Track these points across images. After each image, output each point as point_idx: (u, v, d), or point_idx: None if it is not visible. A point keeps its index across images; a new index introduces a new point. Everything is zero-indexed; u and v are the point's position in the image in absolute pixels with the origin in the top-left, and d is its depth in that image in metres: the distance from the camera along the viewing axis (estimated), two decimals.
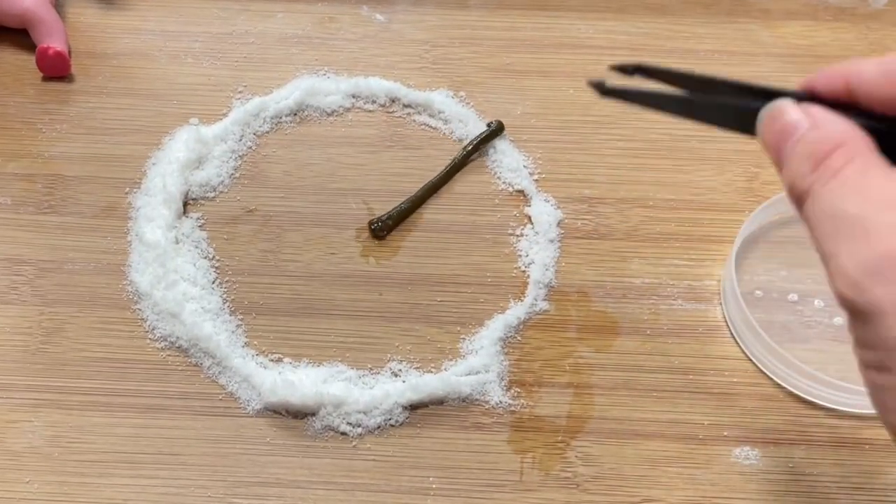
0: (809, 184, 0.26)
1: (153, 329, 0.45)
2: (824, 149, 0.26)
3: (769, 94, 0.30)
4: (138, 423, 0.42)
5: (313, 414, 0.42)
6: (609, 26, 0.57)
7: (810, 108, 0.28)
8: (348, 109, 0.53)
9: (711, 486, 0.41)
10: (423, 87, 0.54)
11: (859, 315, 0.24)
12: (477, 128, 0.52)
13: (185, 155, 0.49)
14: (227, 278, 0.47)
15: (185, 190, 0.49)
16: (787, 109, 0.28)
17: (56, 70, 0.54)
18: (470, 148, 0.50)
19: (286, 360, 0.44)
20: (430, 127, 0.53)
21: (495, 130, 0.51)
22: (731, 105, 0.32)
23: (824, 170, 0.26)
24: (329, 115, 0.53)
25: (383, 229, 0.48)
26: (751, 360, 0.44)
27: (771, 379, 0.44)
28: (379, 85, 0.53)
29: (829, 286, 0.25)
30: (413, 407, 0.43)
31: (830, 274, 0.25)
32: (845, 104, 0.29)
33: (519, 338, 0.45)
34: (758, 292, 0.46)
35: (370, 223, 0.48)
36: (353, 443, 0.42)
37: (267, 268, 0.47)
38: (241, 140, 0.51)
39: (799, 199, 0.27)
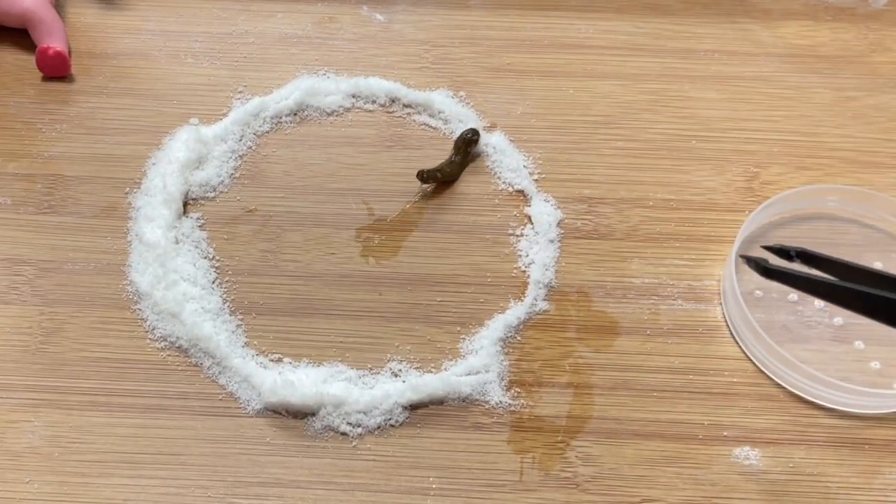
0: None
1: (153, 329, 0.45)
2: None
3: None
4: (138, 423, 0.42)
5: (313, 414, 0.42)
6: (609, 26, 0.57)
7: None
8: (348, 109, 0.53)
9: (711, 486, 0.41)
10: (423, 87, 0.54)
11: None
12: (477, 128, 0.52)
13: (185, 155, 0.49)
14: (227, 278, 0.47)
15: (185, 190, 0.49)
16: None
17: (56, 70, 0.54)
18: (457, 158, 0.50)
19: (286, 360, 0.44)
20: (430, 127, 0.53)
21: (469, 140, 0.51)
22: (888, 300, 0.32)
23: None
24: (329, 115, 0.53)
25: (430, 178, 0.49)
26: (751, 360, 0.44)
27: (771, 379, 0.44)
28: (379, 85, 0.53)
29: None
30: (413, 407, 0.43)
31: None
32: None
33: (519, 338, 0.45)
34: (758, 292, 0.46)
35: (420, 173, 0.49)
36: (353, 443, 0.42)
37: (267, 268, 0.47)
38: (241, 140, 0.51)
39: None
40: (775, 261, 0.37)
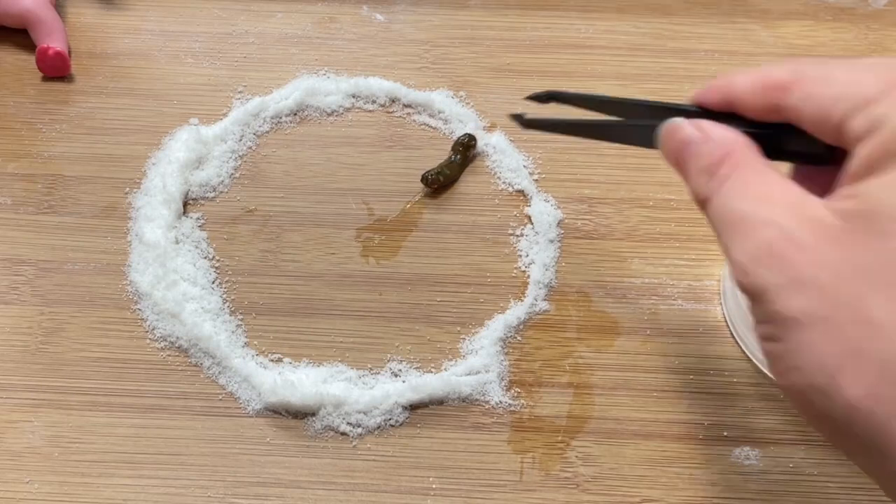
0: (707, 193, 0.31)
1: (153, 329, 0.45)
2: (715, 160, 0.31)
3: (671, 111, 0.34)
4: (138, 423, 0.42)
5: (313, 414, 0.42)
6: (609, 26, 0.57)
7: (700, 123, 0.32)
8: (348, 109, 0.53)
9: (711, 486, 0.41)
10: (423, 87, 0.54)
11: (751, 296, 0.29)
12: (477, 128, 0.52)
13: (185, 155, 0.49)
14: (227, 278, 0.47)
15: (185, 190, 0.49)
16: (681, 126, 0.33)
17: (56, 70, 0.54)
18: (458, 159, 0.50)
19: (286, 360, 0.44)
20: (430, 127, 0.53)
21: (467, 145, 0.51)
22: (636, 125, 0.35)
23: (717, 179, 0.31)
24: (329, 115, 0.53)
25: (434, 182, 0.49)
26: (751, 360, 0.44)
27: (771, 379, 0.44)
28: (379, 85, 0.53)
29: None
30: (413, 407, 0.43)
31: (729, 264, 0.30)
32: (730, 114, 0.32)
33: (519, 338, 0.45)
34: None
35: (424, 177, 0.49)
36: (353, 443, 0.42)
37: (267, 268, 0.47)
38: (241, 140, 0.51)
39: (702, 205, 0.31)
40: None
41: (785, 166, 0.33)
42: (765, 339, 0.29)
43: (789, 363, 0.28)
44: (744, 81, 0.32)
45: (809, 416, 0.28)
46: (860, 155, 0.28)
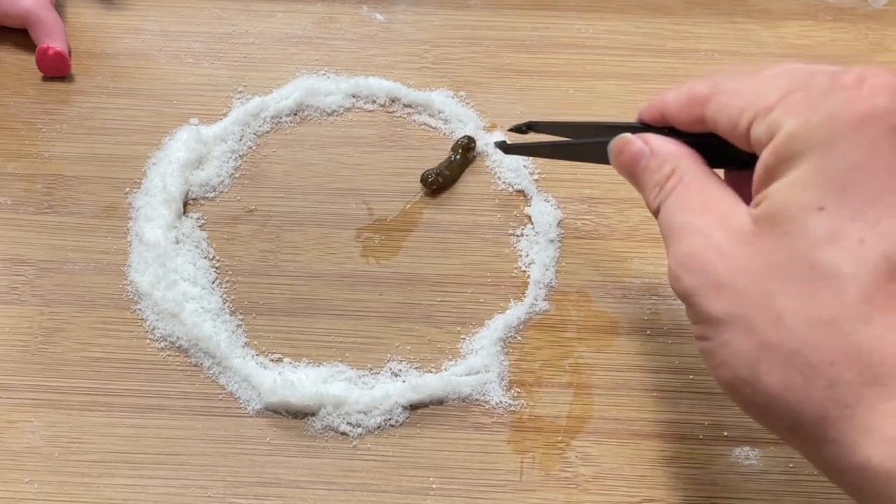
0: (657, 203, 0.34)
1: (153, 329, 0.45)
2: (663, 175, 0.33)
3: (628, 129, 0.36)
4: (138, 423, 0.42)
5: (313, 414, 0.42)
6: (609, 26, 0.57)
7: (647, 137, 0.35)
8: (348, 109, 0.53)
9: (711, 486, 0.41)
10: (423, 87, 0.54)
11: (682, 299, 0.31)
12: (477, 128, 0.52)
13: (185, 155, 0.49)
14: (227, 278, 0.47)
15: (185, 190, 0.49)
16: (630, 141, 0.35)
17: (56, 70, 0.54)
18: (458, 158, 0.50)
19: (286, 360, 0.44)
20: (430, 127, 0.53)
21: (466, 146, 0.51)
22: (594, 144, 0.38)
23: (664, 193, 0.33)
24: (329, 115, 0.53)
25: (433, 183, 0.49)
26: None
27: None
28: (379, 85, 0.53)
29: None
30: (413, 407, 0.43)
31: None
32: (677, 130, 0.35)
33: (519, 338, 0.45)
34: None
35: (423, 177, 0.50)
36: (353, 443, 0.42)
37: (267, 268, 0.47)
38: (241, 140, 0.51)
39: (654, 214, 0.34)
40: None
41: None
42: (697, 338, 0.31)
43: (717, 359, 0.30)
44: (673, 97, 0.34)
45: (741, 405, 0.31)
46: (762, 161, 0.30)
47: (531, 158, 0.51)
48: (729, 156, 0.33)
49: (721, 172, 0.35)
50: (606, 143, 0.37)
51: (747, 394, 0.30)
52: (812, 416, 0.28)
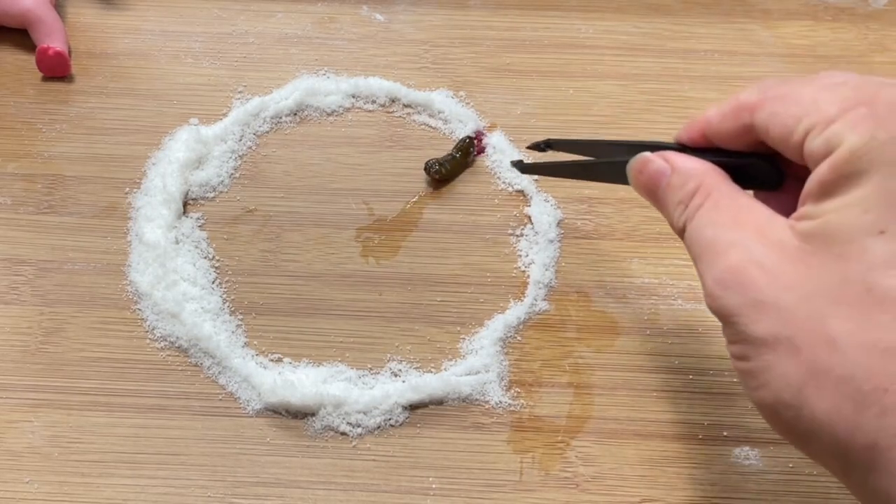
0: (683, 222, 0.32)
1: (153, 329, 0.45)
2: (687, 192, 0.32)
3: (647, 148, 0.35)
4: (138, 423, 0.42)
5: (313, 414, 0.42)
6: (609, 26, 0.57)
7: (667, 155, 0.34)
8: (348, 109, 0.53)
9: (711, 486, 0.41)
10: (423, 87, 0.54)
11: (720, 318, 0.30)
12: (480, 128, 0.52)
13: (185, 155, 0.49)
14: (227, 278, 0.47)
15: (185, 190, 0.49)
16: (650, 159, 0.34)
17: (56, 70, 0.54)
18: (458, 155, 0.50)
19: (286, 360, 0.44)
20: (430, 127, 0.53)
21: (468, 144, 0.51)
22: (614, 163, 0.37)
23: (689, 210, 0.32)
24: (329, 115, 0.53)
25: (437, 173, 0.49)
26: None
27: None
28: (379, 85, 0.53)
29: None
30: (413, 407, 0.43)
31: (703, 288, 0.31)
32: (706, 148, 0.34)
33: (519, 338, 0.45)
34: None
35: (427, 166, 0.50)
36: (353, 443, 0.42)
37: (267, 268, 0.47)
38: (241, 140, 0.51)
39: (679, 234, 0.33)
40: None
41: None
42: (736, 357, 0.30)
43: (758, 381, 0.29)
44: (717, 109, 0.33)
45: (779, 428, 0.30)
46: (817, 175, 0.28)
47: (531, 158, 0.51)
48: (766, 177, 0.33)
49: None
50: (625, 162, 0.36)
51: (788, 418, 0.28)
52: (861, 445, 0.27)
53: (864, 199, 0.27)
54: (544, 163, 0.42)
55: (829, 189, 0.28)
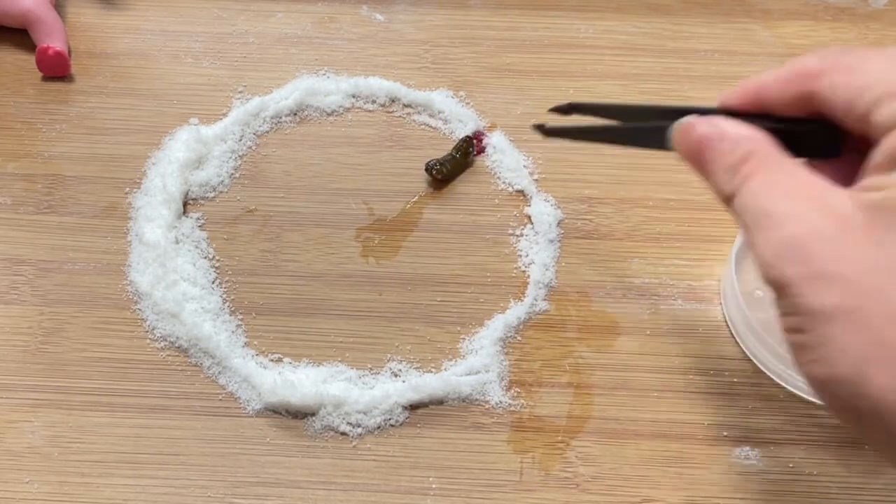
0: (732, 189, 0.31)
1: (153, 329, 0.45)
2: (738, 158, 0.31)
3: (684, 112, 0.34)
4: (138, 423, 0.42)
5: (313, 414, 0.42)
6: (609, 26, 0.57)
7: (714, 120, 0.33)
8: (348, 109, 0.53)
9: (711, 486, 0.41)
10: (423, 87, 0.54)
11: (777, 289, 0.29)
12: (480, 128, 0.52)
13: (185, 155, 0.49)
14: (227, 278, 0.47)
15: (185, 190, 0.49)
16: (696, 124, 0.33)
17: (56, 70, 0.54)
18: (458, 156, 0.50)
19: (286, 360, 0.44)
20: (430, 127, 0.53)
21: (468, 143, 0.51)
22: (651, 128, 0.35)
23: (741, 177, 0.31)
24: (329, 115, 0.53)
25: (439, 173, 0.49)
26: (751, 360, 0.44)
27: (771, 379, 0.44)
28: (379, 85, 0.53)
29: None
30: (413, 407, 0.43)
31: (755, 259, 0.30)
32: (758, 114, 0.33)
33: (519, 338, 0.45)
34: (758, 292, 0.46)
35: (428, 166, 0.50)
36: (353, 443, 0.42)
37: (267, 268, 0.47)
38: (241, 140, 0.51)
39: (726, 202, 0.32)
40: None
41: None
42: (790, 330, 0.29)
43: (815, 355, 0.28)
44: (774, 75, 0.32)
45: (836, 407, 0.29)
46: (886, 146, 0.28)
47: (531, 158, 0.51)
48: (822, 144, 0.32)
49: None
50: (663, 127, 0.34)
51: (846, 395, 0.27)
52: None
53: None
54: (571, 126, 0.39)
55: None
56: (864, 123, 0.29)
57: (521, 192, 0.50)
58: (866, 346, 0.27)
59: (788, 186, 0.30)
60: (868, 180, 0.28)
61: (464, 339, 0.45)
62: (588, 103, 0.39)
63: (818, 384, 0.28)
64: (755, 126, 0.32)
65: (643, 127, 0.36)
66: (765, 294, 0.46)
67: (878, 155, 0.28)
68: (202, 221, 0.49)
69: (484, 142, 0.51)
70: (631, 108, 0.38)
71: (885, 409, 0.26)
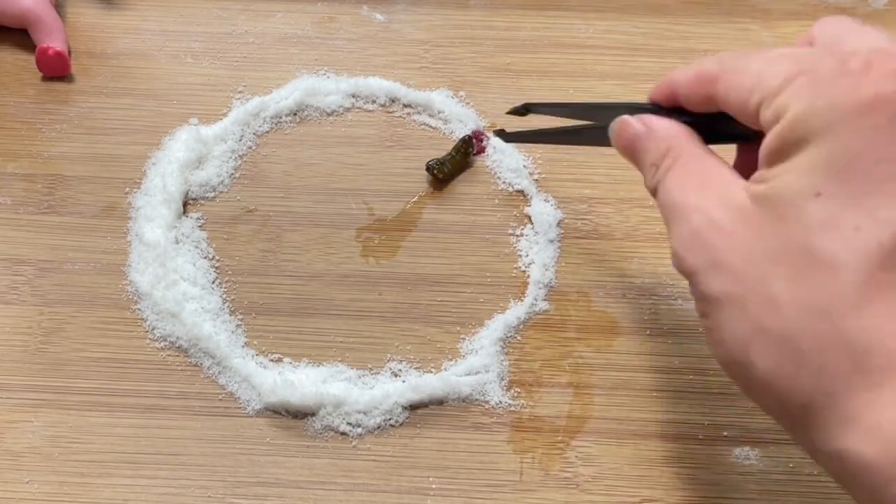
0: (654, 184, 0.34)
1: (153, 329, 0.45)
2: (659, 154, 0.34)
3: (630, 109, 0.36)
4: (138, 423, 0.42)
5: (313, 414, 0.42)
6: (609, 26, 0.57)
7: (644, 117, 0.35)
8: (348, 109, 0.53)
9: (711, 486, 0.41)
10: (423, 87, 0.54)
11: (686, 278, 0.32)
12: (481, 128, 0.52)
13: (184, 155, 0.49)
14: (227, 278, 0.47)
15: (185, 190, 0.49)
16: (629, 122, 0.36)
17: (56, 70, 0.54)
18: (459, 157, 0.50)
19: (286, 360, 0.44)
20: (430, 127, 0.53)
21: (468, 143, 0.51)
22: (597, 127, 0.38)
23: (662, 172, 0.33)
24: (329, 115, 0.53)
25: (440, 172, 0.50)
26: None
27: None
28: (379, 85, 0.53)
29: None
30: (413, 407, 0.43)
31: (671, 249, 0.32)
32: (682, 108, 0.35)
33: (519, 338, 0.45)
34: None
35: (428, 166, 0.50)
36: (353, 443, 0.42)
37: (267, 268, 0.47)
38: (241, 140, 0.51)
39: (653, 195, 0.34)
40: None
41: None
42: (700, 315, 0.32)
43: (715, 338, 0.31)
44: (682, 76, 0.34)
45: (740, 386, 0.31)
46: (767, 143, 0.30)
47: (531, 158, 0.51)
48: (740, 131, 0.33)
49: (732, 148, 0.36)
50: (607, 126, 0.37)
51: (739, 375, 0.30)
52: (799, 403, 0.28)
53: (802, 163, 0.29)
54: (527, 130, 0.42)
55: (777, 155, 0.30)
56: (756, 122, 0.31)
57: (521, 192, 0.50)
58: (749, 332, 0.29)
59: (695, 181, 0.32)
60: (756, 173, 0.30)
61: (464, 339, 0.45)
62: (542, 103, 0.41)
63: (721, 364, 0.31)
64: (680, 119, 0.34)
65: (590, 126, 0.39)
66: None
67: (764, 149, 0.30)
68: (202, 221, 0.49)
69: (484, 142, 0.51)
70: (579, 105, 0.40)
71: (768, 389, 0.29)
